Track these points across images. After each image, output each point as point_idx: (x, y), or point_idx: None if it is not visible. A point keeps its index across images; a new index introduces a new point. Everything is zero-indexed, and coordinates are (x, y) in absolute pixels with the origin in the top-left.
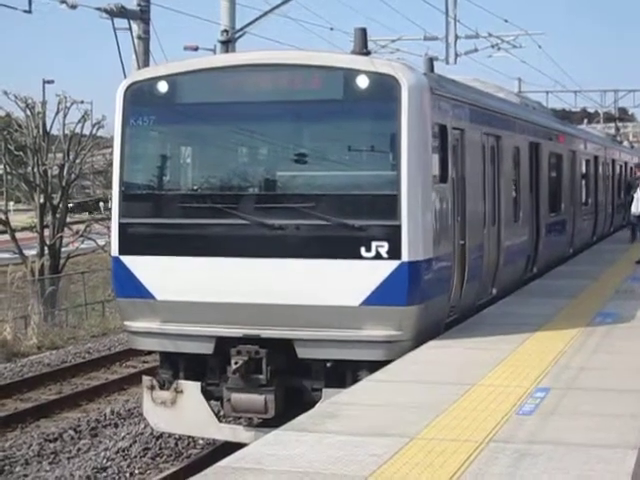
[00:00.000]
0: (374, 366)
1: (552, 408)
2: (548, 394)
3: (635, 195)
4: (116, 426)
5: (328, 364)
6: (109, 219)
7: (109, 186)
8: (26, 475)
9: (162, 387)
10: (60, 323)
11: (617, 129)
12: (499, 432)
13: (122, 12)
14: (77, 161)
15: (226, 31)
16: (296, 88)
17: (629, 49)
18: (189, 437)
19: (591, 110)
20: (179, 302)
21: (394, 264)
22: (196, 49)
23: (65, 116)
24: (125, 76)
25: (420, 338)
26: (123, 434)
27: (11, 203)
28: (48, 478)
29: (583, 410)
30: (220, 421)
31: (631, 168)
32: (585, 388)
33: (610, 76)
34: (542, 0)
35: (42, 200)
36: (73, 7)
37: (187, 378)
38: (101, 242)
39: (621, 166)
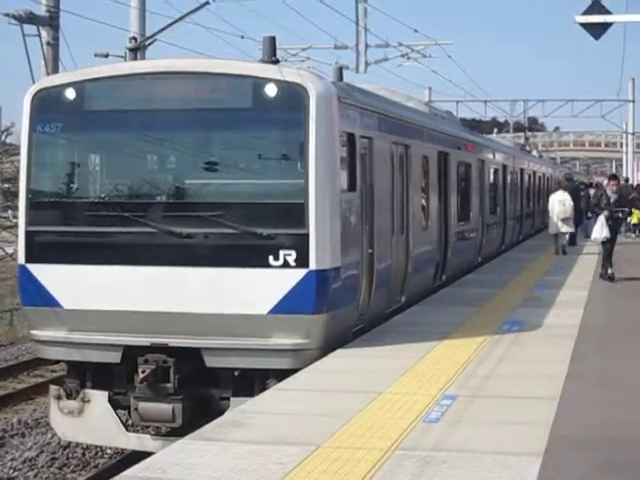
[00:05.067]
0: (282, 375)
1: (458, 415)
2: (454, 402)
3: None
4: (23, 436)
5: (236, 373)
6: (17, 227)
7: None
8: None
9: (69, 396)
10: None
11: (526, 138)
12: (405, 440)
13: (31, 18)
14: None
15: (134, 38)
16: (204, 96)
17: (538, 60)
18: (97, 446)
19: (501, 120)
20: (86, 311)
21: (302, 272)
22: (107, 56)
23: None
24: (34, 82)
25: (328, 346)
26: (30, 444)
27: None
28: None
29: (489, 417)
30: (128, 430)
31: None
32: (491, 395)
33: (520, 86)
34: (451, 12)
35: None
36: None
37: (94, 387)
38: (9, 250)
39: (530, 175)
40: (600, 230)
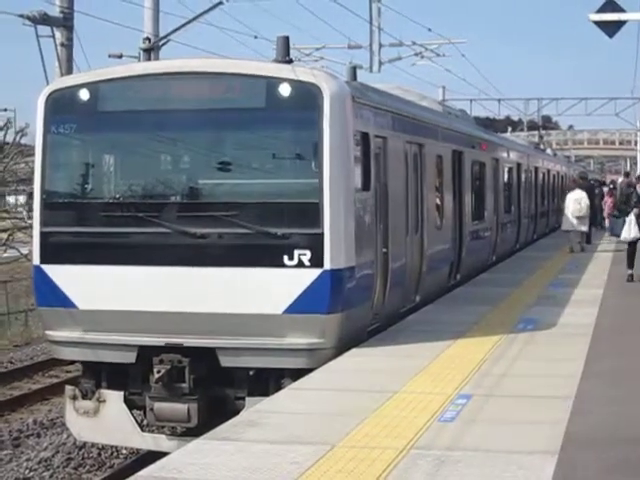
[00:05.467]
0: (297, 374)
1: (473, 415)
2: (470, 401)
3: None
4: (39, 436)
5: (251, 372)
6: (32, 227)
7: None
8: None
9: (84, 397)
10: None
11: (540, 137)
12: (420, 439)
13: (45, 19)
14: None
15: (148, 39)
16: (218, 96)
17: (552, 58)
18: (112, 447)
19: (515, 118)
20: (101, 311)
21: (316, 272)
22: (120, 56)
23: None
24: (48, 83)
25: (343, 346)
26: (45, 444)
27: None
28: None
29: (504, 416)
30: (143, 430)
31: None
32: (506, 395)
33: (533, 85)
34: (465, 11)
35: None
36: None
37: (110, 387)
38: (24, 251)
39: (544, 173)
40: (629, 229)
